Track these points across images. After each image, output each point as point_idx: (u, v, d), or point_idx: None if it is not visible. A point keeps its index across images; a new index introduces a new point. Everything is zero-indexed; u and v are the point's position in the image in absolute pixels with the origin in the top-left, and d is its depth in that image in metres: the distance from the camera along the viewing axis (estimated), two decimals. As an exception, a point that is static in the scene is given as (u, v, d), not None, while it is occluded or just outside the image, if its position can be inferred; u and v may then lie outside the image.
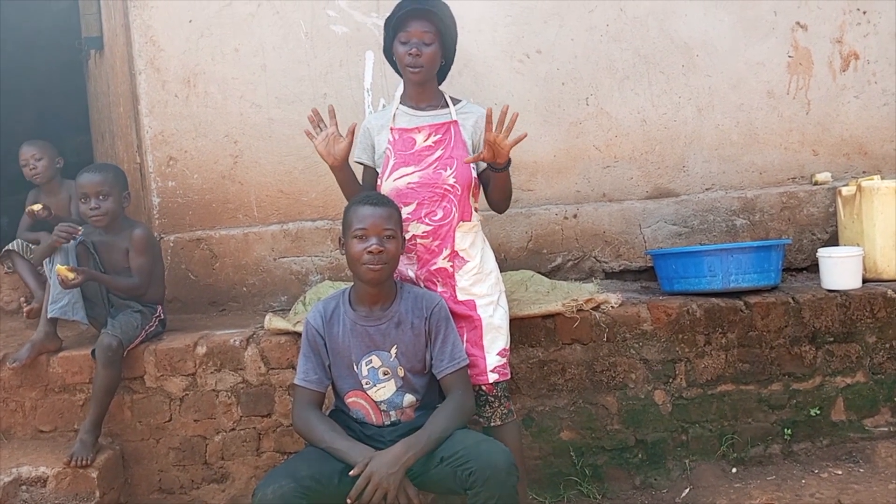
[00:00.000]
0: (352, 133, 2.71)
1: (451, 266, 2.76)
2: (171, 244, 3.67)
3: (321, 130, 2.71)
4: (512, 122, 2.60)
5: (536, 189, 3.76)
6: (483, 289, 2.77)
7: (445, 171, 2.73)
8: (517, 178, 3.71)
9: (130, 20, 3.65)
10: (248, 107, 3.68)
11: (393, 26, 2.72)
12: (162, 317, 3.24)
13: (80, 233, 3.02)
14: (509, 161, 2.70)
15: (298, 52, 3.66)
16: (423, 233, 2.74)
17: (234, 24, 3.64)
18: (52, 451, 2.98)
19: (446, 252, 2.76)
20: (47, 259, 3.04)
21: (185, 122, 3.68)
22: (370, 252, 2.44)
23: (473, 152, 2.78)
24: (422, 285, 2.76)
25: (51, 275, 3.00)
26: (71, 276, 2.91)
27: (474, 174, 2.77)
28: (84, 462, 2.85)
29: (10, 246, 3.66)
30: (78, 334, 3.30)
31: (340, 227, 2.61)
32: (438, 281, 2.77)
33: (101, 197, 3.09)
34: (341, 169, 2.74)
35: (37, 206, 3.50)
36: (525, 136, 2.63)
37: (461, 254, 2.77)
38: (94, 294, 3.10)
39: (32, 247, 3.63)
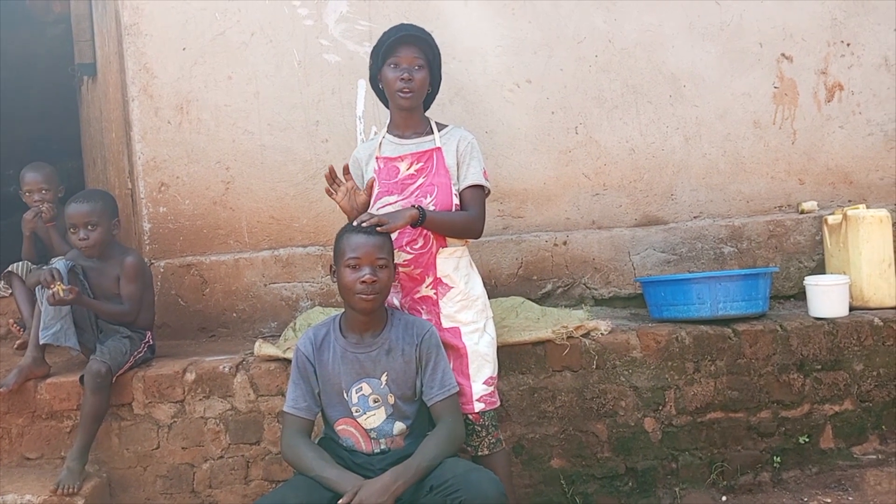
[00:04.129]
0: (371, 187, 2.70)
1: (434, 294, 2.78)
2: (162, 270, 3.66)
3: (338, 186, 2.69)
4: (371, 221, 2.55)
5: (527, 216, 3.79)
6: (469, 316, 2.78)
7: (426, 198, 2.75)
8: (507, 206, 3.75)
9: (124, 47, 3.68)
10: (240, 133, 3.70)
11: (383, 53, 2.77)
12: (151, 343, 3.23)
13: (57, 286, 2.90)
14: (421, 220, 2.65)
15: (291, 81, 3.70)
16: (405, 261, 2.75)
17: (228, 53, 3.68)
18: (38, 478, 2.94)
19: (429, 280, 2.78)
20: (39, 286, 3.03)
21: (177, 148, 3.69)
22: (363, 282, 2.45)
23: (456, 175, 2.80)
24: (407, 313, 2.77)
25: (42, 301, 2.99)
26: (62, 293, 2.89)
27: (455, 200, 2.78)
28: (71, 490, 2.83)
29: (11, 268, 3.62)
30: (66, 360, 3.28)
31: (331, 254, 2.62)
32: (423, 309, 2.78)
33: (89, 227, 3.08)
34: None
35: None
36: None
37: (444, 280, 2.78)
38: (83, 320, 3.09)
39: (33, 268, 3.60)
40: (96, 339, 3.08)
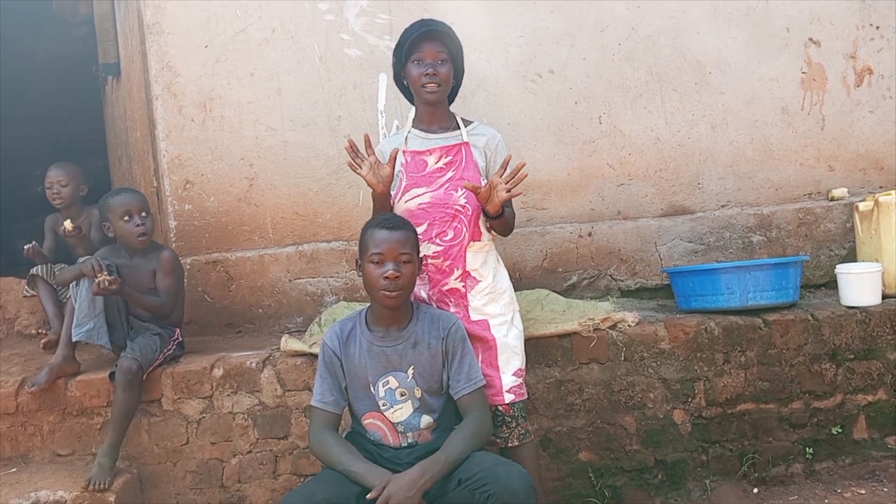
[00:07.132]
0: (393, 159, 2.69)
1: (462, 286, 2.78)
2: (188, 266, 3.68)
3: (361, 161, 2.69)
4: (518, 176, 2.63)
5: (551, 208, 3.76)
6: (496, 308, 2.78)
7: (456, 191, 2.75)
8: (531, 198, 3.73)
9: (147, 46, 3.70)
10: (263, 130, 3.71)
11: (406, 50, 2.76)
12: (180, 339, 3.25)
13: (103, 275, 2.95)
14: (502, 213, 2.72)
15: (312, 76, 3.70)
16: (434, 253, 2.76)
17: (249, 49, 3.69)
18: (70, 474, 2.98)
19: (458, 272, 2.78)
20: (73, 283, 3.06)
21: (201, 146, 3.71)
22: (387, 278, 2.45)
23: (486, 173, 2.80)
24: (434, 306, 2.77)
25: (76, 297, 3.02)
26: (106, 283, 2.92)
27: None
28: (102, 486, 2.86)
29: (34, 270, 3.68)
30: (96, 357, 3.32)
31: (355, 248, 2.62)
32: (451, 301, 2.79)
33: (143, 214, 3.14)
34: (386, 194, 2.73)
35: (68, 224, 3.48)
36: (514, 194, 2.68)
37: (473, 274, 2.78)
38: (114, 318, 3.12)
39: (57, 271, 3.65)
40: (126, 337, 3.11)
